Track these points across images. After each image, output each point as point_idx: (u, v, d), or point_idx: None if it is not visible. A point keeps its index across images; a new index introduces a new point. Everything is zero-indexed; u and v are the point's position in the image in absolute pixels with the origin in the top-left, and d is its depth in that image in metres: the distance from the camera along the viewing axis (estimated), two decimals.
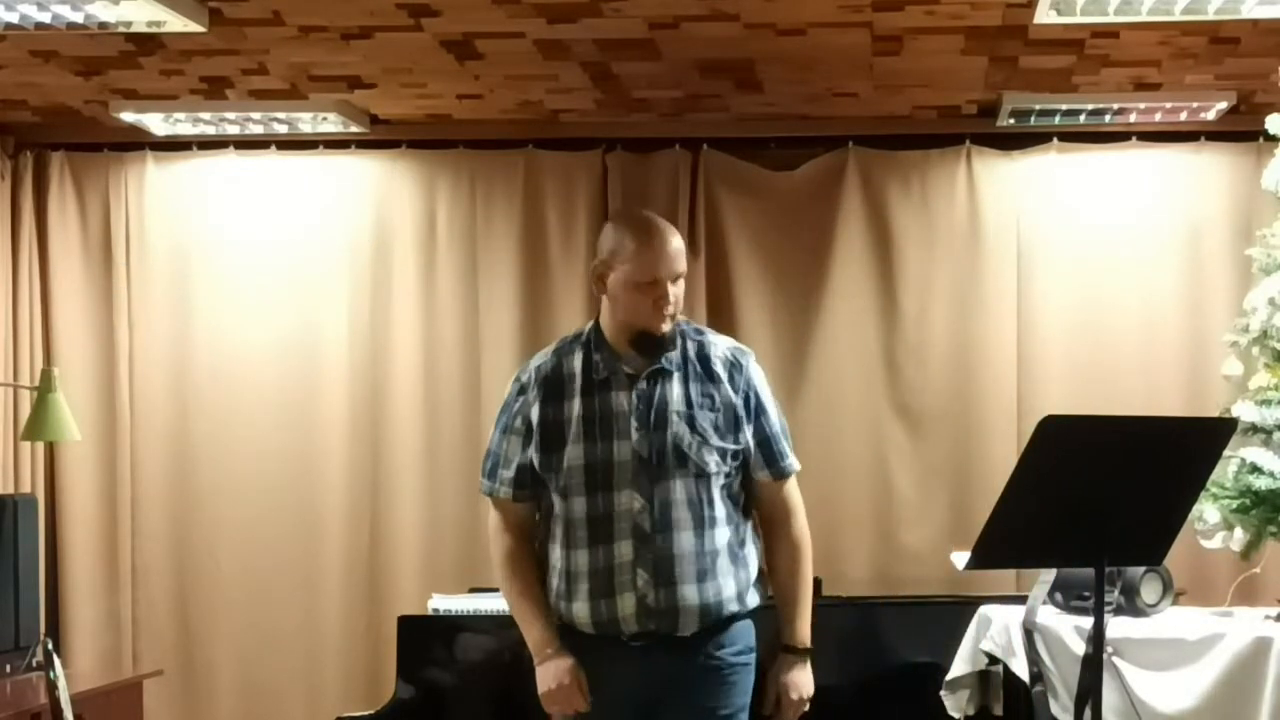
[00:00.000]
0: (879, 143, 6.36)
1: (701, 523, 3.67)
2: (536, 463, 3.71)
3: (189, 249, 6.53)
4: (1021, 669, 4.57)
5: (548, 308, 6.42)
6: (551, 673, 3.71)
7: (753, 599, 3.77)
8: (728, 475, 3.73)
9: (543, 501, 3.77)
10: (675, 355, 3.73)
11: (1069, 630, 4.48)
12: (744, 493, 3.80)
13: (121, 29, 4.75)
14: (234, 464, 6.48)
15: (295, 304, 6.50)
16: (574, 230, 6.41)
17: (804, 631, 3.80)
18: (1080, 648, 4.37)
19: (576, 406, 3.70)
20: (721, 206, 6.39)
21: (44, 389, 5.56)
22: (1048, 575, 4.60)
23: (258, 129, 6.25)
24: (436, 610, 5.29)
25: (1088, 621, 4.22)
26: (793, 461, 3.82)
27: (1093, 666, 3.70)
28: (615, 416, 3.68)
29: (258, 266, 6.50)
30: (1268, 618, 4.59)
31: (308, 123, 6.13)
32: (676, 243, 3.74)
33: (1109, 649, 4.31)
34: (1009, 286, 6.29)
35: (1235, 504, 4.76)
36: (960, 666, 4.90)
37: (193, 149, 6.51)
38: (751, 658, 3.79)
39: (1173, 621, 4.59)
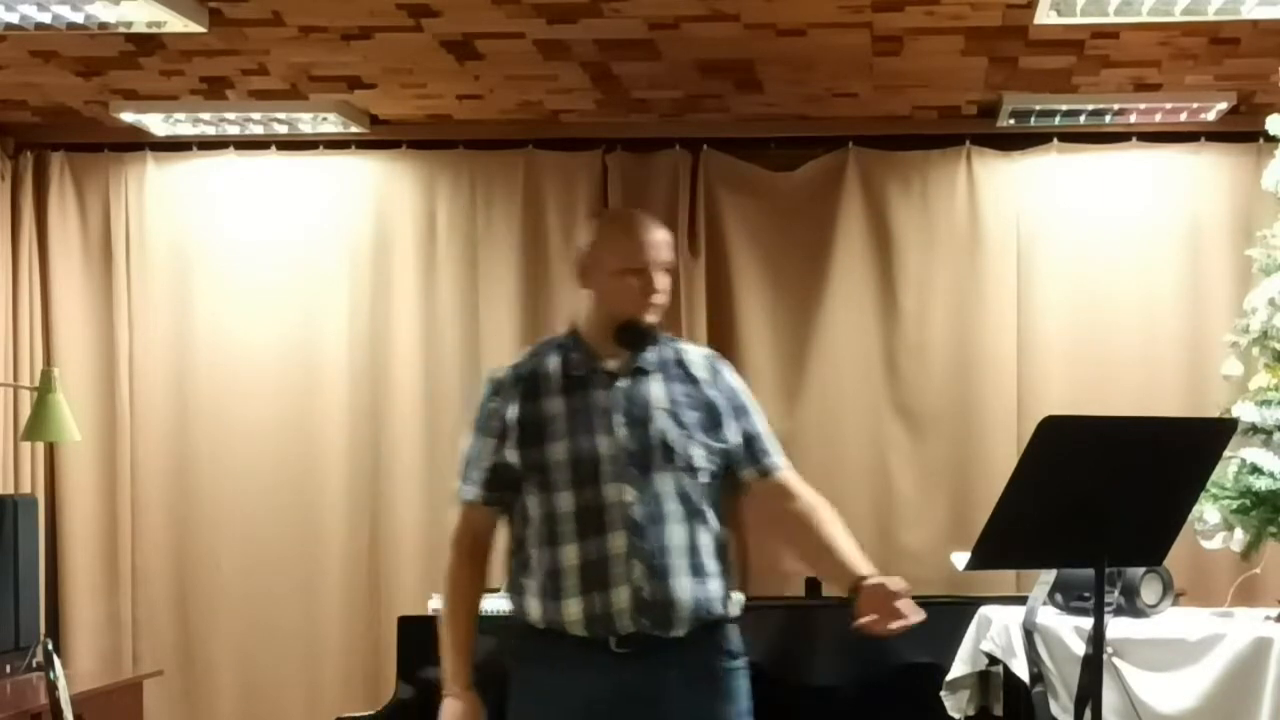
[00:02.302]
0: (879, 143, 6.36)
1: (690, 517, 3.62)
2: (517, 460, 3.65)
3: (189, 249, 6.53)
4: (1021, 669, 4.57)
5: (548, 308, 6.42)
6: (450, 712, 3.68)
7: (735, 607, 3.71)
8: (712, 475, 3.68)
9: (514, 505, 3.70)
10: (653, 357, 3.71)
11: (1069, 631, 4.49)
12: (723, 503, 3.73)
13: (121, 29, 4.75)
14: (234, 464, 6.48)
15: (295, 304, 6.50)
16: (574, 230, 6.39)
17: (863, 561, 3.61)
18: (1080, 648, 4.37)
19: (557, 404, 3.65)
20: (721, 207, 6.39)
21: (44, 389, 5.56)
22: (1048, 576, 4.60)
23: (258, 129, 6.25)
24: (436, 610, 5.27)
25: (1088, 622, 4.22)
26: (779, 459, 3.76)
27: (1093, 667, 3.70)
28: (597, 412, 3.63)
29: (258, 266, 6.50)
30: (1268, 618, 4.59)
31: (308, 123, 6.13)
32: (663, 234, 3.71)
33: (1109, 649, 4.31)
34: (1009, 286, 6.29)
35: (1235, 504, 4.76)
36: (960, 667, 4.90)
37: (193, 149, 6.51)
38: (744, 663, 3.72)
39: (1173, 622, 4.59)
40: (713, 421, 3.70)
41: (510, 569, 3.73)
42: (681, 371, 3.72)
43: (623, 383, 3.67)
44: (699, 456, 3.65)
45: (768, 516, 3.79)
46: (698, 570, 3.62)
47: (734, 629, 3.72)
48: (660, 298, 3.68)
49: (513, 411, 3.67)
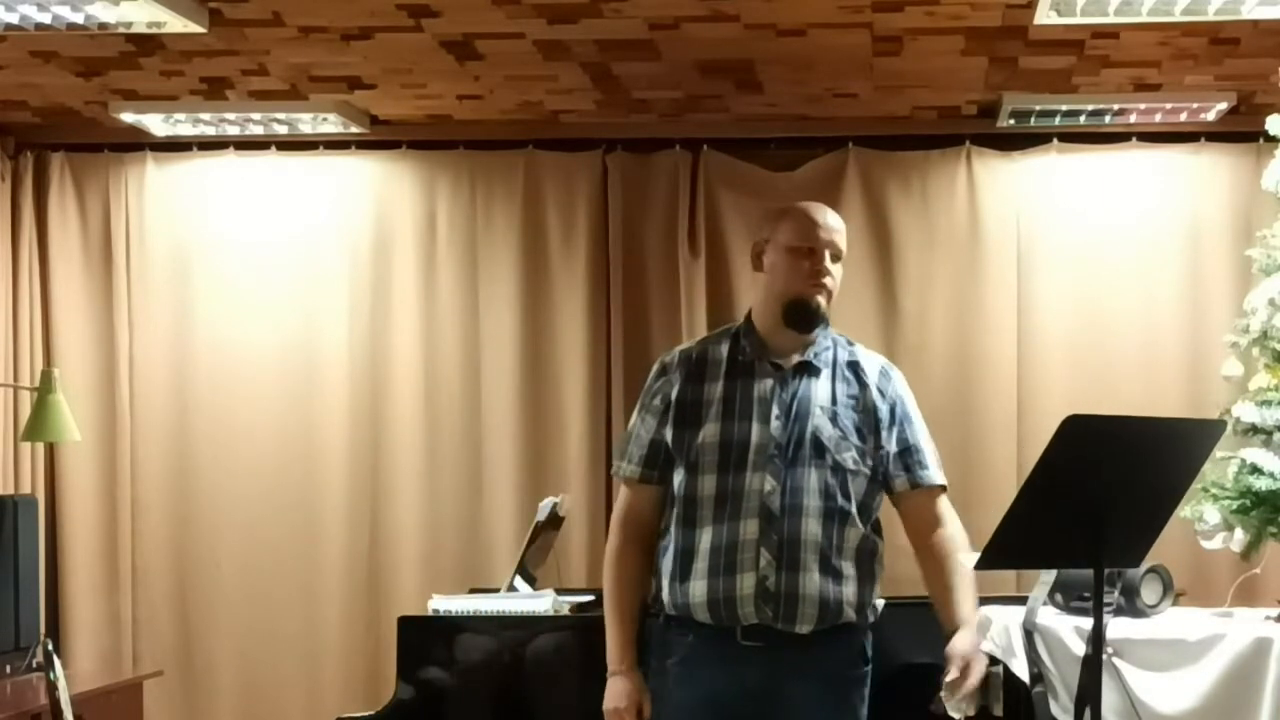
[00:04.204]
0: (879, 143, 6.36)
1: (832, 515, 3.62)
2: (670, 438, 3.68)
3: (189, 249, 6.54)
4: (1022, 670, 4.57)
5: (548, 308, 6.42)
6: (614, 691, 3.69)
7: (871, 615, 3.72)
8: (869, 482, 3.69)
9: (669, 486, 3.72)
10: (825, 356, 3.73)
11: (1069, 631, 4.48)
12: (877, 512, 3.74)
13: (121, 30, 4.75)
14: (234, 464, 6.48)
15: (295, 305, 6.50)
16: (574, 230, 6.41)
17: (968, 610, 3.79)
18: (1080, 648, 4.36)
19: (719, 389, 3.68)
20: (722, 207, 6.39)
21: (44, 390, 5.56)
22: (1048, 576, 4.59)
23: (258, 130, 6.25)
24: (436, 610, 5.28)
25: (1088, 622, 4.20)
26: (935, 474, 3.78)
27: (1091, 667, 3.70)
28: (756, 401, 3.66)
29: (258, 267, 6.50)
30: (1268, 618, 4.59)
31: (308, 123, 6.13)
32: (837, 222, 3.75)
33: (1109, 650, 4.31)
34: (1009, 287, 6.29)
35: (1235, 505, 4.76)
36: None
37: (193, 150, 6.51)
38: (869, 671, 3.74)
39: (1173, 622, 4.58)
40: (872, 427, 3.71)
41: (656, 551, 3.75)
42: (852, 375, 3.74)
43: (788, 377, 3.68)
44: (849, 459, 3.66)
45: (910, 528, 3.80)
46: (830, 569, 3.62)
47: (866, 636, 3.73)
48: (829, 281, 3.70)
49: (675, 391, 3.70)
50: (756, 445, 3.62)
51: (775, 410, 3.64)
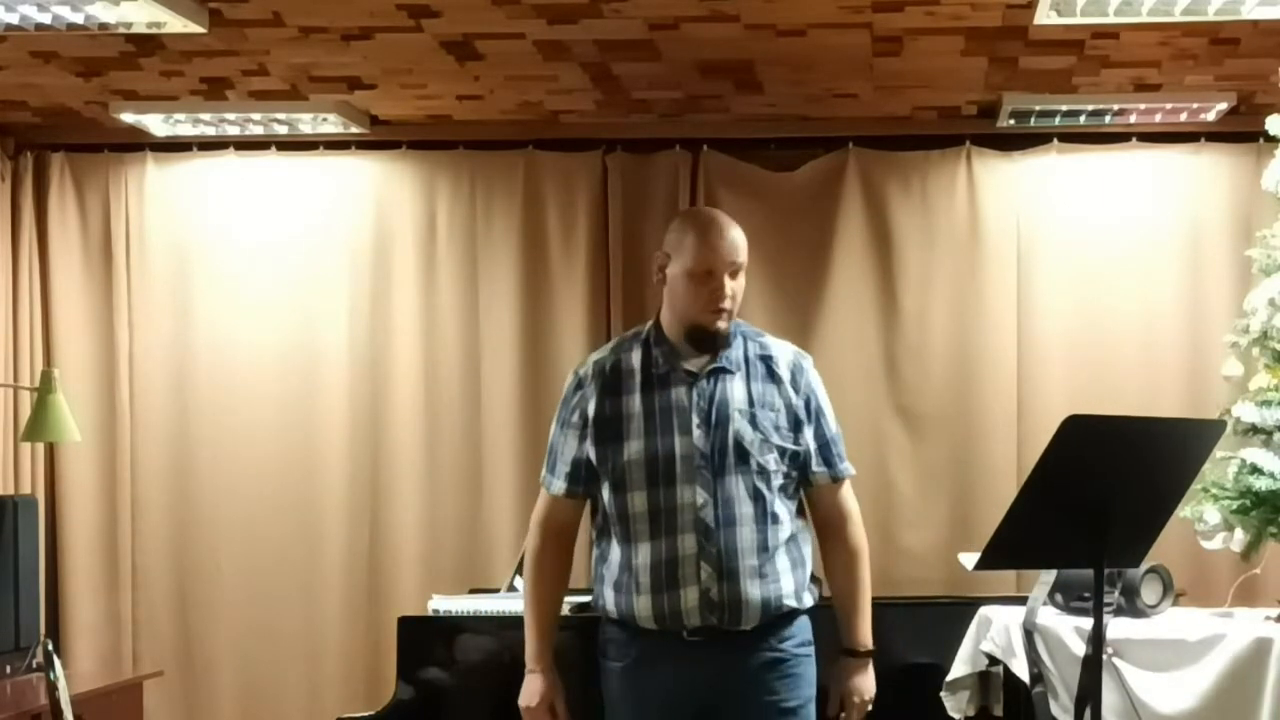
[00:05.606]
0: (879, 143, 6.36)
1: (763, 519, 3.69)
2: (593, 456, 3.71)
3: (189, 249, 6.53)
4: (1022, 670, 4.57)
5: (548, 308, 6.42)
6: (528, 690, 3.79)
7: (809, 599, 3.80)
8: (786, 475, 3.75)
9: (597, 499, 3.77)
10: (736, 355, 3.76)
11: (1069, 631, 4.48)
12: (799, 497, 3.83)
13: (122, 30, 4.75)
14: (234, 464, 6.48)
15: (295, 305, 6.50)
16: (574, 231, 6.41)
17: (865, 633, 3.86)
18: (1080, 648, 4.37)
19: (636, 402, 3.71)
20: (722, 208, 6.31)
21: (44, 390, 5.55)
22: (1048, 576, 4.60)
23: (258, 130, 6.25)
24: (436, 611, 5.28)
25: (1088, 622, 4.21)
26: (849, 466, 3.89)
27: (1092, 667, 3.70)
28: (675, 411, 3.69)
29: (258, 267, 6.50)
30: (1268, 618, 4.59)
31: (308, 124, 6.13)
32: (736, 235, 3.76)
33: (1109, 650, 4.31)
34: (1009, 287, 6.29)
35: (1235, 505, 4.76)
36: (960, 667, 4.89)
37: (193, 150, 6.51)
38: (811, 650, 3.80)
39: (1173, 622, 4.59)
40: (790, 423, 3.76)
41: (591, 558, 3.83)
42: (765, 370, 3.78)
43: (703, 383, 3.71)
44: (771, 460, 3.72)
45: (820, 516, 3.90)
46: (766, 573, 3.69)
47: (805, 619, 3.80)
48: (727, 303, 3.72)
49: (593, 407, 3.73)
50: (682, 457, 3.67)
51: (695, 419, 3.69)
